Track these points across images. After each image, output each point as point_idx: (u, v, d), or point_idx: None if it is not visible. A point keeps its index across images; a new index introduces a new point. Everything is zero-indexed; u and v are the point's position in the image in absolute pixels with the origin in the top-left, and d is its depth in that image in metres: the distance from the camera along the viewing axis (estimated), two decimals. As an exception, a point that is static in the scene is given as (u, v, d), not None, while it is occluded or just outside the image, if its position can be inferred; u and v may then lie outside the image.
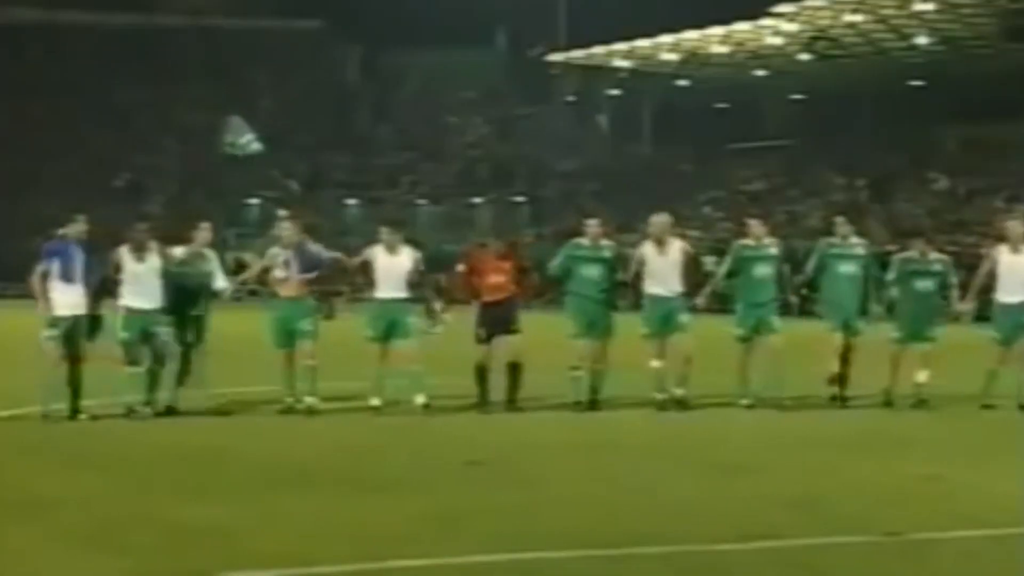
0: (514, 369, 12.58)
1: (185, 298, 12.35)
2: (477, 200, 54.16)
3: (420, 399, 12.37)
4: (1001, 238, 13.56)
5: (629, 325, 12.92)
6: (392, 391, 12.51)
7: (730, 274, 13.39)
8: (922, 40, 51.18)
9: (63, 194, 53.14)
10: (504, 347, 12.63)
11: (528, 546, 6.85)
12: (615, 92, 62.02)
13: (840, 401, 13.24)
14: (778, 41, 53.25)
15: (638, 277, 13.00)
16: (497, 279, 12.70)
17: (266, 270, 12.67)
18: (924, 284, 13.39)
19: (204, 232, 12.73)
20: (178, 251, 12.49)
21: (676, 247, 13.04)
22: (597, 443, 10.86)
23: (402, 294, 12.56)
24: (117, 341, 12.04)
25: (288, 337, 12.42)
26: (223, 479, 8.93)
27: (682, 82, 59.81)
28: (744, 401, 12.95)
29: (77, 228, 11.94)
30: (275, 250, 12.63)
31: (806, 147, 54.92)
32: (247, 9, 62.92)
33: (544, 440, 10.99)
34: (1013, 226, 13.41)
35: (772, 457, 10.18)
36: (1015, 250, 13.26)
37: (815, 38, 51.57)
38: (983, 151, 49.15)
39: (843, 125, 53.90)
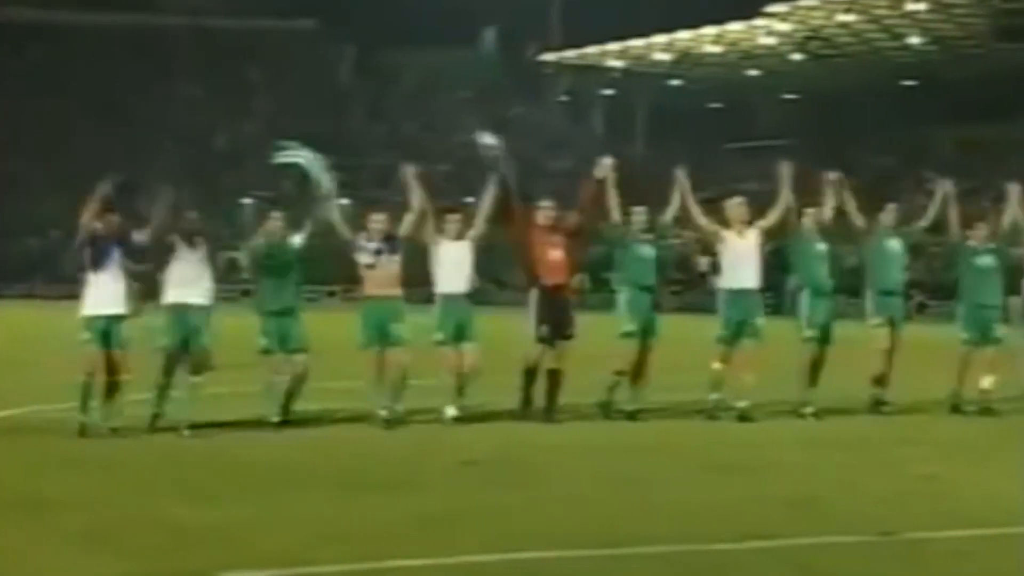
0: (555, 376, 11.81)
1: (273, 295, 11.52)
2: (469, 199, 54.09)
3: (451, 411, 11.63)
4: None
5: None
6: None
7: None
8: (915, 40, 51.26)
9: (58, 193, 53.13)
10: (555, 351, 11.81)
11: (525, 546, 6.85)
12: (608, 92, 62.05)
13: (883, 404, 12.60)
14: (771, 41, 53.28)
15: (715, 264, 12.26)
16: (555, 254, 11.82)
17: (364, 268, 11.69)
18: (985, 261, 12.75)
19: (275, 222, 11.73)
20: (255, 244, 11.70)
21: (754, 232, 12.21)
22: (594, 444, 10.84)
23: (466, 289, 11.80)
24: (156, 347, 11.07)
25: (378, 336, 11.54)
26: (223, 481, 8.93)
27: (675, 82, 59.87)
28: (808, 409, 12.23)
29: (111, 220, 10.90)
30: (361, 242, 11.72)
31: (799, 147, 54.93)
32: (243, 9, 62.80)
33: (541, 440, 10.96)
34: None
35: (770, 457, 10.18)
36: None
37: (808, 38, 51.60)
38: (976, 151, 49.21)
39: (836, 125, 53.92)
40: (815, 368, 12.32)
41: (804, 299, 12.47)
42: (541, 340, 11.77)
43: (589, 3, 54.99)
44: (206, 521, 7.39)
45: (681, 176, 12.40)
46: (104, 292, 10.78)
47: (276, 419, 11.32)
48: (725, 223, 12.32)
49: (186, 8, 62.13)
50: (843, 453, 10.36)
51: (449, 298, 11.78)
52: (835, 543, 7.08)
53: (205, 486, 8.63)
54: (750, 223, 12.26)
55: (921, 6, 47.55)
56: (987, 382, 12.65)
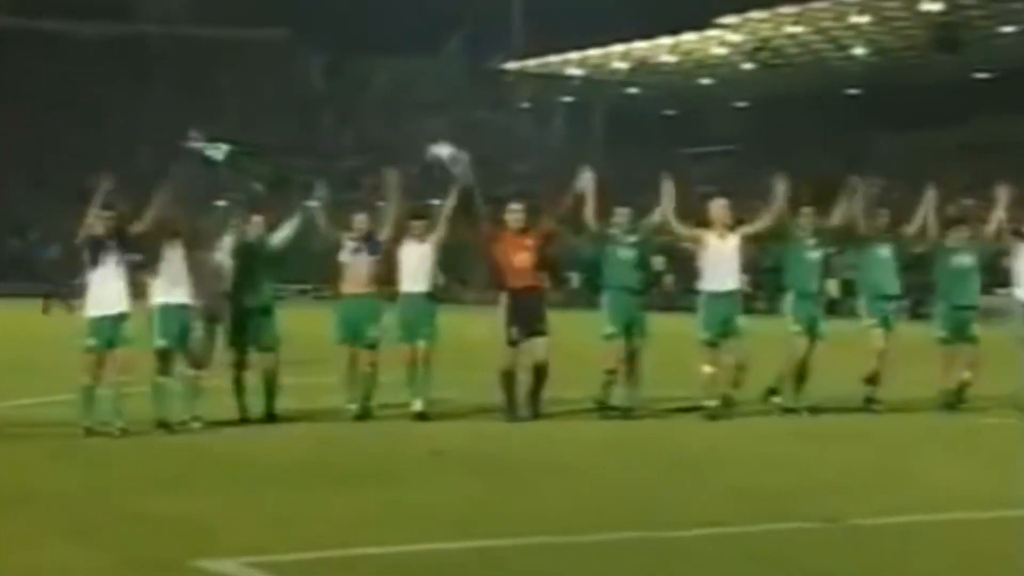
0: (540, 372, 11.42)
1: (250, 293, 11.32)
2: (436, 201, 54.11)
3: (418, 405, 11.47)
4: (1017, 232, 12.70)
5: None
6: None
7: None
8: (859, 51, 51.73)
9: (36, 195, 52.68)
10: (531, 349, 11.45)
11: (487, 534, 6.86)
12: (568, 99, 62.17)
13: (874, 403, 12.17)
14: (723, 51, 53.54)
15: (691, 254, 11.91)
16: (522, 258, 11.50)
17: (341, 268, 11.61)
18: (963, 261, 12.45)
19: (256, 222, 11.57)
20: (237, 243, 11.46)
21: (735, 236, 11.84)
22: (556, 437, 10.78)
23: (425, 288, 11.66)
24: (153, 347, 10.66)
25: (353, 333, 11.47)
26: (196, 474, 8.88)
27: (632, 89, 59.99)
28: (776, 399, 12.02)
29: (106, 224, 10.53)
30: (344, 240, 11.63)
31: (750, 151, 55.25)
32: (217, 19, 62.44)
33: (505, 433, 10.93)
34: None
35: (732, 450, 10.13)
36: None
37: (758, 48, 51.85)
38: (917, 156, 49.65)
39: (785, 131, 54.21)
40: (801, 365, 12.01)
41: (790, 300, 12.20)
42: (511, 343, 11.47)
43: (550, 14, 55.09)
44: (180, 513, 7.35)
45: (667, 184, 12.02)
46: (106, 291, 10.39)
47: (239, 416, 11.24)
48: (706, 224, 12.01)
49: (162, 17, 61.67)
50: (800, 445, 10.34)
51: (409, 297, 11.70)
52: (777, 529, 7.12)
53: (180, 480, 8.57)
54: (732, 226, 11.94)
55: (865, 19, 47.99)
56: (965, 375, 12.23)
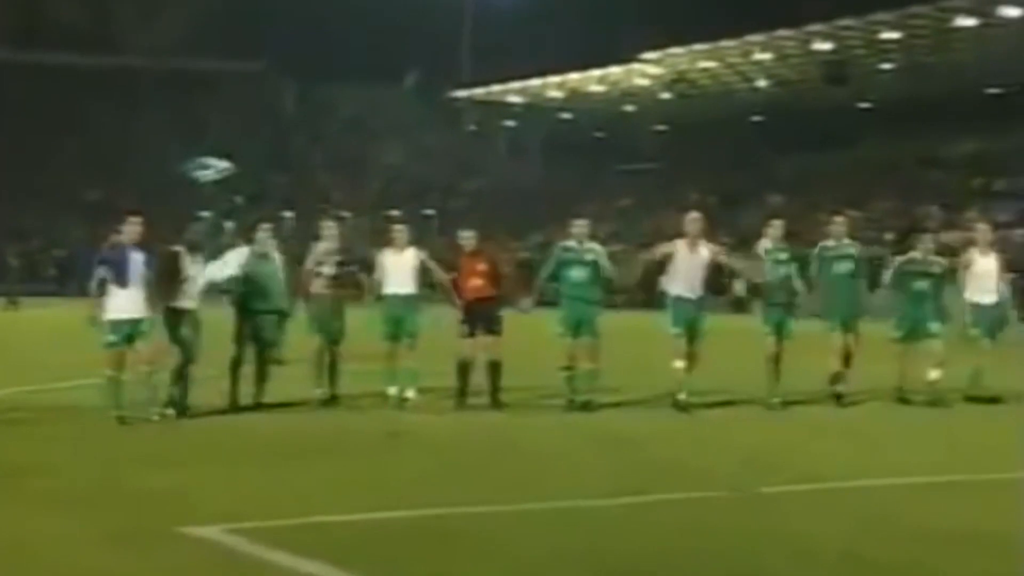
0: (494, 367, 11.20)
1: (251, 300, 11.05)
2: (395, 213, 53.86)
3: (410, 393, 11.30)
4: (971, 242, 12.47)
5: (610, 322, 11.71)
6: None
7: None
8: (761, 83, 52.52)
9: (37, 206, 51.79)
10: (484, 345, 11.25)
11: (434, 503, 6.87)
12: (510, 123, 62.34)
13: (839, 399, 11.68)
14: (645, 82, 54.05)
15: (661, 268, 11.38)
16: (475, 281, 11.31)
17: (314, 274, 11.40)
18: (921, 285, 11.91)
19: (263, 233, 11.28)
20: (240, 252, 11.23)
21: (705, 249, 11.37)
22: (513, 423, 10.59)
23: (409, 290, 11.49)
24: (172, 341, 10.35)
25: (322, 328, 11.30)
26: (180, 451, 8.78)
27: (566, 115, 60.25)
28: (775, 399, 11.39)
29: (132, 230, 10.11)
30: (321, 254, 11.42)
31: (668, 170, 55.68)
32: (200, 52, 61.80)
33: (456, 418, 10.84)
34: (983, 231, 12.42)
35: (668, 432, 10.06)
36: (984, 253, 12.15)
37: (675, 80, 52.42)
38: (813, 176, 50.35)
39: (698, 151, 54.73)
40: (775, 362, 11.59)
41: (759, 306, 11.92)
42: (463, 336, 11.33)
43: (494, 48, 55.26)
44: (165, 485, 7.29)
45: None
46: (126, 299, 9.99)
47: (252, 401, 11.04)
48: (681, 235, 11.44)
49: (149, 51, 60.91)
50: (729, 428, 10.37)
51: (394, 298, 11.56)
52: (688, 498, 7.21)
53: (162, 456, 8.49)
54: (703, 238, 11.39)
55: (766, 55, 48.87)
56: (934, 374, 11.71)
